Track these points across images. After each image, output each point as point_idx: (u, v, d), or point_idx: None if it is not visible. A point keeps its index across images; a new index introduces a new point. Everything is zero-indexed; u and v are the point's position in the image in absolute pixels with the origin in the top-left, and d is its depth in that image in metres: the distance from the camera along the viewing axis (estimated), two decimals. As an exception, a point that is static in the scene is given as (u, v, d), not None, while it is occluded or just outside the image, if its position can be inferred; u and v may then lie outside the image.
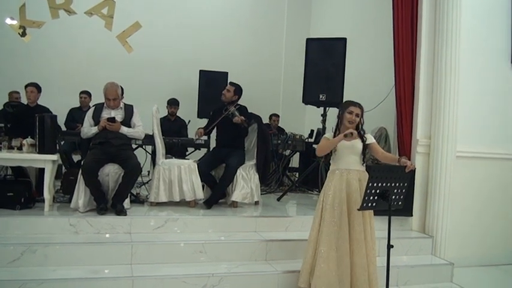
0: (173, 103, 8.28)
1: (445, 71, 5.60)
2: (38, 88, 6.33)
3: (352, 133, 4.16)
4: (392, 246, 3.98)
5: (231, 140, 6.13)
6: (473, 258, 5.80)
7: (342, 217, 4.17)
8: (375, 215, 5.22)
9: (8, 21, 7.67)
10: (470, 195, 5.88)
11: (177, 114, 8.39)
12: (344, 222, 4.16)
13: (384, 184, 3.86)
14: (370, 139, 4.33)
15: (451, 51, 5.58)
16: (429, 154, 5.77)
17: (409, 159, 5.67)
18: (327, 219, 4.20)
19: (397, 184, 3.93)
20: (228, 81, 6.53)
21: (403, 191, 4.00)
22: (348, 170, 4.25)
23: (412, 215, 5.77)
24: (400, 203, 4.00)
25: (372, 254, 4.19)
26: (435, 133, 5.68)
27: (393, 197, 3.91)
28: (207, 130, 6.27)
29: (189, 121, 8.38)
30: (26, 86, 6.22)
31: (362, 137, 4.28)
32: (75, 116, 7.62)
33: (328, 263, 4.14)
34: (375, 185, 3.82)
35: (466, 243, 5.81)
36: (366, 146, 4.28)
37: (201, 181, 5.88)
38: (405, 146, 5.83)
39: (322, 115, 6.41)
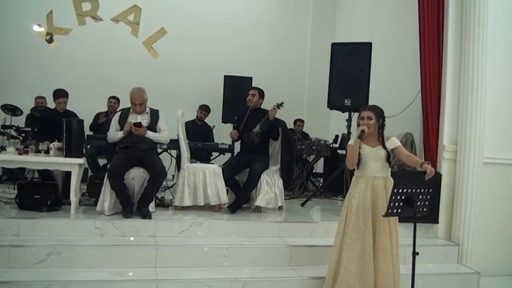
0: (205, 109, 8.30)
1: (472, 75, 5.53)
2: (67, 95, 6.39)
3: (363, 130, 4.14)
4: (417, 254, 3.93)
5: (255, 145, 6.13)
6: (500, 267, 5.68)
7: (366, 224, 4.14)
8: (400, 221, 5.17)
9: (36, 28, 7.82)
10: (497, 202, 5.78)
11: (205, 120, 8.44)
12: (368, 230, 4.13)
13: (409, 190, 3.81)
14: (393, 143, 4.26)
15: (478, 55, 5.51)
16: (455, 160, 5.69)
17: (435, 165, 5.64)
18: (351, 226, 4.18)
19: (423, 190, 3.88)
20: (251, 86, 6.51)
21: (428, 197, 3.95)
22: (373, 177, 4.22)
23: (438, 222, 5.70)
24: (425, 209, 3.95)
25: (396, 261, 4.16)
26: (462, 139, 5.61)
27: (418, 203, 3.86)
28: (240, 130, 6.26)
29: (214, 126, 8.41)
30: (57, 96, 6.24)
31: (383, 143, 4.24)
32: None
33: (350, 270, 4.11)
34: (400, 191, 3.78)
35: (493, 251, 5.70)
36: (389, 151, 4.23)
37: (225, 185, 5.89)
38: (431, 151, 5.77)
39: (347, 120, 6.37)
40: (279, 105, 5.95)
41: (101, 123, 7.72)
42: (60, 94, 6.18)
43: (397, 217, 4.16)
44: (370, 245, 4.11)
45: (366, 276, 4.09)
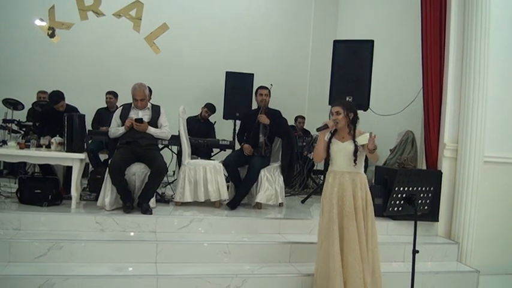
0: (210, 109, 8.20)
1: (474, 74, 5.53)
2: (64, 97, 6.34)
3: (326, 124, 4.12)
4: (417, 252, 3.94)
5: (255, 142, 6.13)
6: (500, 266, 5.69)
7: (333, 221, 4.10)
8: (400, 219, 5.19)
9: (38, 22, 7.83)
10: (497, 201, 5.79)
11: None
12: (335, 225, 4.08)
13: (410, 188, 3.82)
14: (364, 140, 4.08)
15: (480, 53, 5.51)
16: (456, 159, 5.70)
17: (436, 164, 5.66)
18: (325, 221, 4.16)
19: (424, 188, 3.89)
20: (259, 85, 6.49)
21: (429, 195, 3.96)
22: (341, 172, 4.17)
23: (438, 220, 5.71)
24: (426, 207, 3.97)
25: (366, 259, 4.05)
26: (463, 137, 5.61)
27: (419, 201, 3.87)
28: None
29: (215, 122, 8.41)
30: (54, 103, 6.15)
31: (353, 137, 4.15)
32: (103, 116, 7.70)
33: (321, 266, 4.15)
34: (401, 189, 3.79)
35: (492, 250, 5.71)
36: (357, 146, 4.12)
37: (227, 176, 5.91)
38: (432, 150, 5.77)
39: (348, 118, 6.36)
40: (262, 109, 6.02)
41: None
42: (57, 100, 6.13)
43: (372, 213, 4.13)
44: (337, 241, 4.05)
45: (333, 271, 4.04)
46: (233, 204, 5.88)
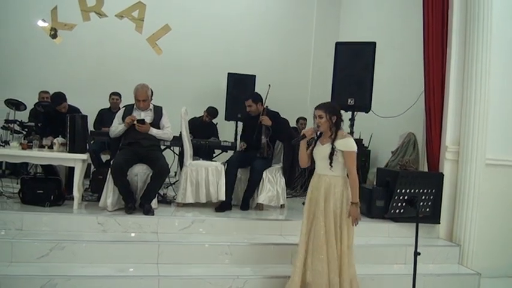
0: (211, 113, 8.15)
1: (476, 77, 5.53)
2: (66, 99, 6.35)
3: (304, 134, 4.11)
4: (419, 254, 3.94)
5: (258, 143, 6.14)
6: (501, 269, 5.69)
7: (304, 219, 4.13)
8: (401, 221, 5.18)
9: (40, 23, 7.85)
10: (499, 204, 5.78)
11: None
12: (305, 226, 4.11)
13: (412, 190, 3.82)
14: (344, 145, 3.99)
15: (482, 56, 5.51)
16: (458, 161, 5.69)
17: (438, 166, 5.67)
18: (304, 222, 4.17)
19: (425, 190, 3.89)
20: (257, 89, 6.51)
21: (431, 197, 3.96)
22: (318, 175, 4.14)
23: (439, 223, 5.71)
24: (427, 209, 3.97)
25: (333, 262, 3.96)
26: (464, 140, 5.61)
27: (421, 203, 3.87)
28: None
29: (217, 123, 8.42)
30: (56, 105, 6.15)
31: (333, 140, 4.02)
32: (105, 117, 7.70)
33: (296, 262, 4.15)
34: (403, 191, 3.79)
35: (494, 253, 5.70)
36: (334, 150, 3.98)
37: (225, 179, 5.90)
38: (434, 152, 5.77)
39: (350, 119, 6.37)
40: (264, 111, 6.03)
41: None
42: (60, 101, 6.14)
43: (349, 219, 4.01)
44: (304, 242, 4.08)
45: (293, 271, 4.10)
46: (245, 206, 5.94)
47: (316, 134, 4.18)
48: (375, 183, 6.53)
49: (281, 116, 6.21)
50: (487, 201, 5.62)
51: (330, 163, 3.99)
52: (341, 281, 3.98)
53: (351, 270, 4.06)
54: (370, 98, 6.17)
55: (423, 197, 3.90)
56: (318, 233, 3.99)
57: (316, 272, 3.96)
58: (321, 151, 4.07)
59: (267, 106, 6.20)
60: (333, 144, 4.00)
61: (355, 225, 3.98)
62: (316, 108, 4.12)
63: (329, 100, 6.41)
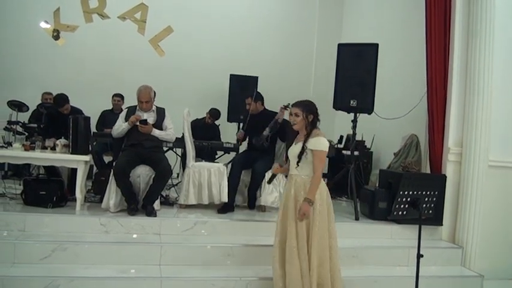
0: (213, 115, 8.14)
1: (478, 78, 5.53)
2: (68, 100, 6.36)
3: (272, 174, 4.34)
4: (422, 256, 3.93)
5: (259, 144, 6.15)
6: (504, 271, 5.66)
7: (278, 224, 4.09)
8: (403, 223, 5.17)
9: (43, 24, 7.85)
10: (501, 205, 5.77)
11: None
12: (279, 224, 4.07)
13: (415, 192, 3.82)
14: (314, 144, 3.92)
15: (485, 58, 5.51)
16: (460, 163, 5.69)
17: (440, 168, 5.66)
18: (277, 225, 4.14)
19: (428, 192, 3.89)
20: (259, 89, 6.53)
21: (434, 199, 3.96)
22: (291, 175, 4.08)
23: (442, 224, 5.69)
24: (430, 211, 3.96)
25: (305, 265, 3.87)
26: (467, 141, 5.60)
27: (424, 205, 3.86)
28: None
29: (219, 125, 8.42)
30: (59, 106, 6.18)
31: (305, 139, 3.97)
32: (107, 118, 7.71)
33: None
34: (406, 193, 3.79)
35: (496, 255, 5.68)
36: (304, 149, 3.92)
37: (228, 182, 5.90)
38: (436, 153, 5.77)
39: (352, 121, 6.36)
40: (286, 107, 5.94)
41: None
42: (62, 103, 6.15)
43: (321, 216, 3.93)
44: (276, 244, 4.05)
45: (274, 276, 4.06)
46: (251, 206, 6.01)
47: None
48: (377, 184, 6.52)
49: (284, 118, 6.21)
50: (489, 203, 5.61)
51: (297, 162, 3.94)
52: (322, 280, 3.90)
53: (334, 272, 3.99)
54: (372, 99, 6.15)
55: (426, 199, 3.90)
56: (289, 235, 3.93)
57: (291, 276, 3.88)
58: (294, 150, 4.02)
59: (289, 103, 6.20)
60: (304, 143, 3.94)
61: (300, 220, 3.86)
62: (293, 105, 4.09)
63: (332, 102, 6.45)
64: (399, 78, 7.68)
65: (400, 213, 3.85)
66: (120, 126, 5.59)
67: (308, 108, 4.02)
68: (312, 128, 4.01)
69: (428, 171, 5.92)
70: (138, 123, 5.46)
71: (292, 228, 3.93)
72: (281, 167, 4.35)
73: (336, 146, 8.24)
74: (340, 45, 6.53)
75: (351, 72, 6.27)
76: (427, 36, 5.73)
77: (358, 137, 6.76)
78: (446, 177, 5.66)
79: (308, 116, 3.99)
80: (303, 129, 4.03)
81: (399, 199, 3.79)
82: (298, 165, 3.95)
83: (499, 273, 5.56)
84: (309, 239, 3.88)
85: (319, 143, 3.92)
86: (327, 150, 3.95)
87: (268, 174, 5.93)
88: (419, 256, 3.90)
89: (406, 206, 3.83)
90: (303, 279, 3.85)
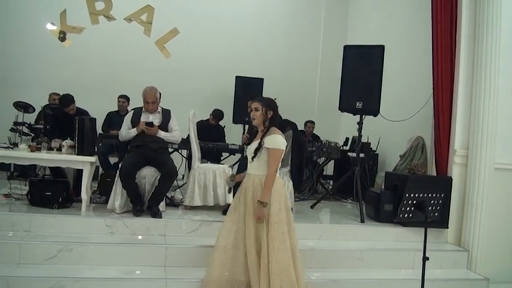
0: (216, 116, 8.16)
1: (485, 80, 5.51)
2: (74, 100, 6.38)
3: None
4: (428, 259, 3.92)
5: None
6: (509, 274, 5.62)
7: (235, 225, 3.96)
8: (409, 226, 5.14)
9: (49, 26, 7.88)
10: (508, 208, 5.73)
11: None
12: (239, 231, 3.93)
13: (421, 195, 3.80)
14: (270, 143, 3.82)
15: (491, 59, 5.48)
16: (466, 165, 5.66)
17: (446, 170, 5.64)
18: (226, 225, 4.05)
19: (434, 195, 3.87)
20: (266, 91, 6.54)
21: (440, 201, 3.94)
22: (247, 174, 4.01)
23: (447, 227, 5.67)
24: (436, 214, 3.95)
25: (253, 271, 3.78)
26: (473, 144, 5.58)
27: (430, 208, 3.85)
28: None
29: (224, 126, 8.43)
30: (65, 106, 6.17)
31: (262, 136, 3.88)
32: (113, 119, 7.73)
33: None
34: (412, 195, 3.77)
35: (502, 258, 5.65)
36: (261, 146, 3.84)
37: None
38: (442, 156, 5.74)
39: (358, 123, 6.34)
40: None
41: None
42: (68, 103, 6.16)
43: (276, 217, 3.80)
44: (230, 246, 3.93)
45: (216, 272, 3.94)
46: None
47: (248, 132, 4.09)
48: (383, 187, 6.51)
49: (289, 120, 6.20)
50: (495, 205, 5.58)
51: (252, 157, 3.88)
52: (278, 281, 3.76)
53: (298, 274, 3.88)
54: (378, 101, 6.13)
55: (432, 202, 3.89)
56: (249, 238, 3.82)
57: (235, 280, 3.81)
58: (251, 147, 3.95)
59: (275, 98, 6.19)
60: (261, 139, 3.87)
61: (258, 223, 3.78)
62: (254, 100, 4.04)
63: (337, 103, 6.44)
64: (405, 80, 7.67)
65: (406, 215, 3.84)
66: (129, 133, 5.59)
67: (268, 104, 3.97)
68: (270, 125, 3.94)
69: (434, 174, 5.89)
70: (144, 126, 5.46)
71: (249, 232, 3.82)
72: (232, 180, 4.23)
73: (341, 147, 8.23)
74: (346, 47, 6.52)
75: (357, 74, 6.25)
76: (433, 37, 5.71)
77: (363, 139, 6.74)
78: (452, 179, 5.64)
79: (267, 112, 3.92)
80: (261, 125, 3.95)
81: (405, 201, 3.77)
82: (253, 161, 3.88)
83: (504, 277, 5.53)
84: (269, 241, 3.77)
85: (275, 141, 3.83)
86: (283, 148, 3.88)
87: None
88: (425, 259, 3.89)
89: (412, 208, 3.82)
90: (251, 284, 3.77)
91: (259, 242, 3.80)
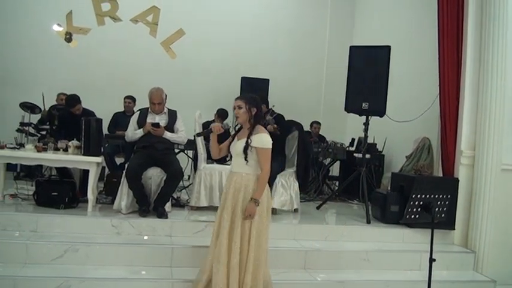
0: (220, 115, 8.18)
1: (491, 80, 5.49)
2: (80, 101, 6.39)
3: (210, 129, 4.00)
4: (434, 260, 3.90)
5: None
6: (516, 276, 5.62)
7: (219, 224, 3.88)
8: (415, 227, 5.12)
9: (55, 27, 7.91)
10: (515, 210, 5.70)
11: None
12: (223, 229, 3.81)
13: (428, 196, 3.79)
14: (257, 141, 3.78)
15: (498, 60, 5.47)
16: (473, 166, 5.63)
17: (453, 171, 5.61)
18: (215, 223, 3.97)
19: (441, 196, 3.86)
20: (271, 91, 6.56)
21: (447, 203, 3.92)
22: (232, 172, 3.94)
23: (454, 229, 5.65)
24: (443, 215, 3.93)
25: (235, 271, 3.73)
26: (480, 144, 5.56)
27: (436, 209, 3.83)
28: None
29: (230, 127, 8.41)
30: (71, 106, 6.17)
31: (249, 135, 3.83)
32: (119, 120, 7.74)
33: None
34: (419, 196, 3.76)
35: (509, 259, 5.62)
36: (248, 145, 3.78)
37: None
38: (449, 157, 5.72)
39: (364, 123, 6.33)
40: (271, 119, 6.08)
41: None
42: (74, 103, 6.17)
43: (260, 217, 3.79)
44: (212, 245, 3.89)
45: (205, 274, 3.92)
46: None
47: (235, 128, 4.03)
48: (389, 188, 6.49)
49: (295, 120, 6.21)
50: (502, 207, 5.56)
51: (245, 157, 3.80)
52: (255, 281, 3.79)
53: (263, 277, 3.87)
54: (384, 102, 6.11)
55: (438, 203, 3.87)
56: (222, 236, 3.78)
57: (216, 280, 3.74)
58: (237, 146, 3.89)
59: (273, 106, 6.22)
60: (248, 138, 3.81)
61: (244, 219, 3.75)
62: (237, 98, 3.97)
63: (343, 104, 6.42)
64: (411, 80, 7.65)
65: (412, 216, 3.82)
66: (135, 134, 5.60)
67: (251, 100, 3.91)
68: (256, 123, 3.89)
69: (441, 175, 5.87)
70: (150, 127, 5.47)
71: (225, 229, 3.78)
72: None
73: (347, 148, 8.22)
74: (352, 48, 6.51)
75: (363, 74, 6.24)
76: (439, 37, 5.70)
77: (369, 140, 6.74)
78: (458, 180, 5.62)
79: (251, 109, 3.87)
80: (246, 123, 3.91)
81: (412, 202, 3.76)
82: (247, 161, 3.81)
83: (511, 279, 5.50)
84: (250, 240, 3.76)
85: (263, 141, 3.80)
86: (271, 146, 3.84)
87: (279, 177, 5.93)
88: (431, 260, 3.88)
89: (419, 209, 3.81)
90: (230, 284, 3.72)
91: (234, 245, 3.74)
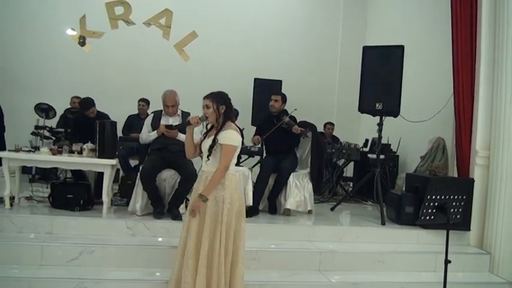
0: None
1: (506, 80, 5.44)
2: (94, 104, 6.43)
3: (188, 121, 3.85)
4: (449, 262, 3.87)
5: (282, 147, 6.14)
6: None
7: (188, 226, 3.76)
8: (430, 228, 5.07)
9: (69, 31, 7.97)
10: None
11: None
12: (192, 232, 3.69)
13: (443, 196, 3.76)
14: (223, 138, 3.69)
15: (513, 58, 5.42)
16: (488, 166, 5.58)
17: (468, 171, 5.56)
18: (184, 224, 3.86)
19: (456, 197, 3.82)
20: (273, 91, 6.56)
21: (462, 203, 3.89)
22: (202, 171, 3.84)
23: (469, 230, 5.61)
24: (458, 216, 3.89)
25: (202, 272, 3.60)
26: (495, 144, 5.51)
27: (452, 210, 3.80)
28: (263, 137, 6.29)
29: (243, 128, 8.41)
30: (85, 109, 6.21)
31: (217, 132, 3.75)
32: (133, 123, 7.80)
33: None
34: (434, 197, 3.73)
35: (525, 261, 5.56)
36: (215, 143, 3.69)
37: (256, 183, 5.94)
38: (463, 157, 5.68)
39: (378, 124, 6.30)
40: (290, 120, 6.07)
41: None
42: (88, 106, 6.22)
43: (227, 218, 3.65)
44: (183, 247, 3.74)
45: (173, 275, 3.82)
46: (272, 210, 6.02)
47: (206, 126, 3.93)
48: (403, 188, 6.45)
49: (308, 121, 6.20)
50: (518, 207, 5.50)
51: (208, 156, 3.72)
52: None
53: (234, 276, 3.76)
54: (398, 102, 6.08)
55: (454, 203, 3.83)
56: (190, 237, 3.68)
57: (184, 281, 3.65)
58: (206, 143, 3.78)
59: (295, 109, 6.20)
60: (216, 136, 3.73)
61: (192, 217, 3.65)
62: (204, 97, 3.90)
63: (357, 105, 6.39)
64: (425, 80, 7.60)
65: (427, 217, 3.79)
66: (149, 137, 5.63)
67: (219, 98, 3.85)
68: (226, 120, 3.81)
69: (456, 175, 5.83)
70: (164, 129, 5.49)
71: (192, 230, 3.67)
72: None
73: (361, 149, 8.19)
74: (365, 48, 6.49)
75: (377, 74, 6.22)
76: (453, 37, 5.67)
77: (383, 140, 6.69)
78: (474, 181, 5.57)
79: (220, 107, 3.80)
80: (215, 122, 3.83)
81: (427, 203, 3.73)
82: (208, 159, 3.73)
83: (528, 281, 5.44)
84: (216, 240, 3.62)
85: (228, 137, 3.71)
86: (236, 145, 3.75)
87: (293, 178, 5.92)
88: (447, 262, 3.84)
89: (434, 210, 3.77)
90: (198, 275, 3.61)
91: (201, 247, 3.63)
